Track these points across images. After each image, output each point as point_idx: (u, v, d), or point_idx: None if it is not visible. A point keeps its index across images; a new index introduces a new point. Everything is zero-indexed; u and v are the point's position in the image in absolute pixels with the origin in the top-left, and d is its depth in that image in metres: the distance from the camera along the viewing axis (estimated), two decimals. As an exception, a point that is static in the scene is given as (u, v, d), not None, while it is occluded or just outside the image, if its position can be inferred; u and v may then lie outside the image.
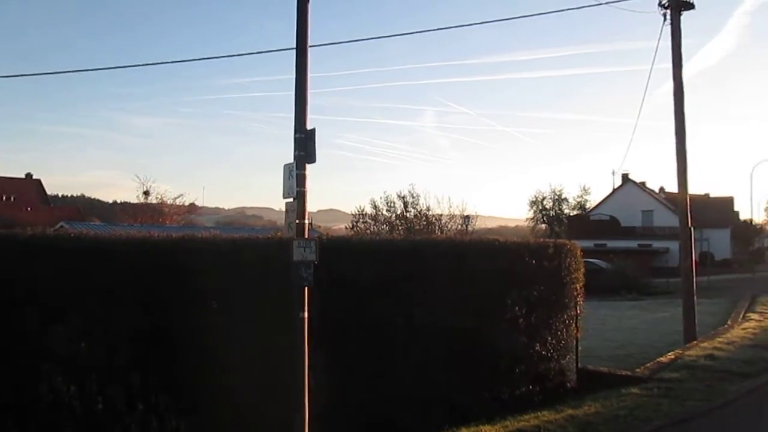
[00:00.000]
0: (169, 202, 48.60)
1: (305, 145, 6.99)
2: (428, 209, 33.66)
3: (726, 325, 17.19)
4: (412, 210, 34.16)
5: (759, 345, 13.27)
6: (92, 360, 6.20)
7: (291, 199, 7.07)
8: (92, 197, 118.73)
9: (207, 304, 6.89)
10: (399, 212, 34.51)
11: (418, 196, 34.20)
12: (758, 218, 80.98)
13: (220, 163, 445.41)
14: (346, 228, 38.43)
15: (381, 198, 35.21)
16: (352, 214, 36.86)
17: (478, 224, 38.04)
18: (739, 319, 18.57)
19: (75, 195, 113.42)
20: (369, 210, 35.16)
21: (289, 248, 6.79)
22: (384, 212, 34.96)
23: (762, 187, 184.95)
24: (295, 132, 7.04)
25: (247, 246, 7.55)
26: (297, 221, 6.91)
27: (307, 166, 7.07)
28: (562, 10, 20.21)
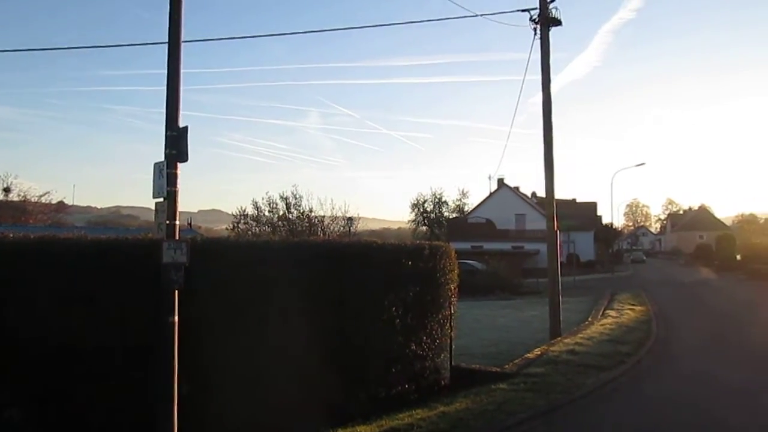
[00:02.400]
0: (33, 200, 45.11)
1: (177, 143, 6.75)
2: (311, 211, 33.56)
3: (587, 322, 18.45)
4: (295, 211, 33.91)
5: (614, 340, 14.37)
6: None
7: (161, 199, 6.80)
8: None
9: (71, 309, 6.45)
10: (281, 213, 34.14)
11: (301, 197, 34.04)
12: (617, 222, 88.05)
13: (93, 159, 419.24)
14: (227, 229, 37.43)
15: (263, 199, 34.69)
16: (234, 215, 36.03)
17: (362, 226, 38.48)
18: (599, 316, 20.01)
19: None
20: (251, 211, 34.54)
21: (158, 250, 6.52)
22: (266, 213, 34.45)
23: (621, 193, 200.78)
24: (167, 129, 6.79)
25: (114, 248, 7.14)
26: (167, 222, 6.67)
27: (180, 165, 6.84)
28: (439, 20, 20.91)
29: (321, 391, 8.46)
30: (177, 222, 6.74)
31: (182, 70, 6.96)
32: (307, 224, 32.88)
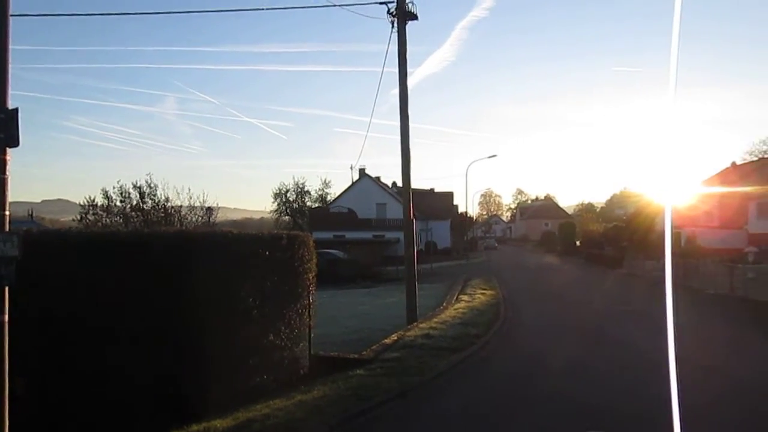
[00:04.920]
0: None
1: (6, 126, 6.17)
2: (167, 200, 32.05)
3: (442, 307, 19.31)
4: (150, 201, 32.24)
5: (466, 323, 15.18)
6: None
7: (-12, 188, 6.21)
8: None
9: None
10: (135, 203, 32.32)
11: (156, 186, 32.35)
12: (472, 211, 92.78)
13: None
14: (74, 220, 34.85)
15: (115, 188, 32.64)
16: (81, 205, 33.61)
17: (222, 216, 37.43)
18: (453, 301, 21.01)
19: None
20: (101, 201, 32.36)
21: (-15, 243, 5.97)
22: (118, 203, 32.46)
23: (476, 183, 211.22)
24: (-7, 111, 6.20)
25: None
26: (-5, 212, 6.10)
27: (10, 150, 6.29)
28: (297, 8, 20.77)
29: (174, 387, 8.21)
30: (7, 212, 6.18)
31: (11, 46, 6.37)
32: (163, 214, 31.40)
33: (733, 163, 51.60)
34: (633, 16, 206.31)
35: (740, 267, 23.75)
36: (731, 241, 34.94)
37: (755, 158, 55.51)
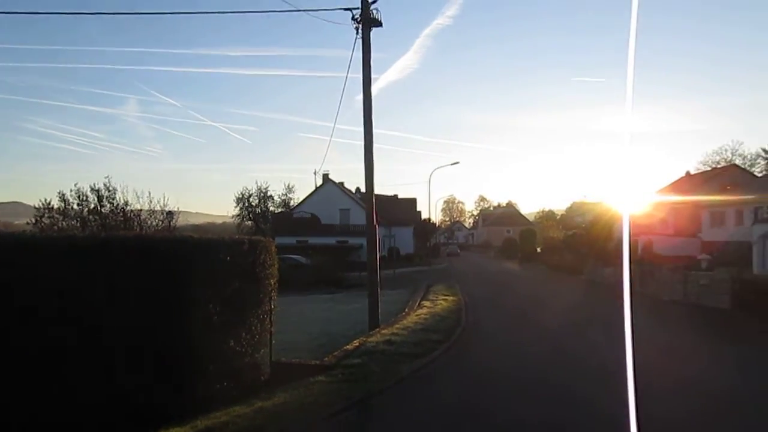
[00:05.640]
0: None
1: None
2: (126, 204, 31.41)
3: (404, 313, 19.35)
4: (108, 204, 31.54)
5: (427, 328, 15.24)
6: None
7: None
8: None
9: None
10: (92, 207, 31.58)
11: (114, 189, 31.67)
12: (435, 217, 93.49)
13: None
14: (28, 223, 33.91)
15: (72, 191, 31.85)
16: (36, 208, 32.71)
17: (184, 220, 36.88)
18: (415, 307, 21.07)
19: None
20: (57, 204, 31.52)
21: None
22: (75, 207, 31.66)
23: (439, 190, 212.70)
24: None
25: None
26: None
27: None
28: (262, 12, 20.66)
29: (131, 395, 8.05)
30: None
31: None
32: (122, 218, 30.74)
33: (688, 173, 53.18)
34: (595, 28, 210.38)
35: (693, 274, 24.40)
36: (685, 248, 35.87)
37: (708, 168, 57.36)
